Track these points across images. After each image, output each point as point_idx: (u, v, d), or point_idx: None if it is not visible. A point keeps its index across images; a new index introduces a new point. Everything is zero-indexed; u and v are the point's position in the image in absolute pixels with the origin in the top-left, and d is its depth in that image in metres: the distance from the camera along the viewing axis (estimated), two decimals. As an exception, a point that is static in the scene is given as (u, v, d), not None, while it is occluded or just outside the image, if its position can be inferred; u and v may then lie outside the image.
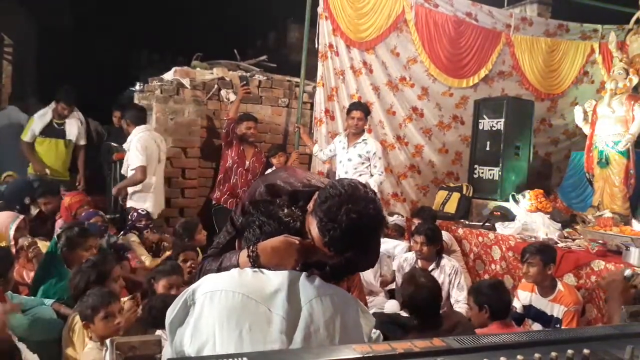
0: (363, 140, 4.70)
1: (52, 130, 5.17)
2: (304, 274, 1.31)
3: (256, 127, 4.96)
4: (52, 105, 5.20)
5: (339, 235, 1.22)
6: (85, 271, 2.60)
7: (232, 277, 1.26)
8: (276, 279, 1.26)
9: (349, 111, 4.75)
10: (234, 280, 1.24)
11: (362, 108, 4.72)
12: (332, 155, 5.02)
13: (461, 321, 2.87)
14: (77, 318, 2.43)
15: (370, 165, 4.69)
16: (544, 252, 3.25)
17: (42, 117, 5.16)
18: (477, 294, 2.86)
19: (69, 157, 5.30)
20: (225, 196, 4.82)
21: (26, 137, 5.12)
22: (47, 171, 5.11)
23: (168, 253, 3.88)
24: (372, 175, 4.69)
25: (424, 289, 2.72)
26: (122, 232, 4.16)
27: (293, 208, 1.44)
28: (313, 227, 1.28)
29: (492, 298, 2.81)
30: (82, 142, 5.38)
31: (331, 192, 1.26)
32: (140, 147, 4.20)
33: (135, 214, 4.24)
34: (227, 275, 1.27)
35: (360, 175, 4.61)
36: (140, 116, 4.48)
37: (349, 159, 4.70)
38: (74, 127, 5.24)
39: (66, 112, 5.19)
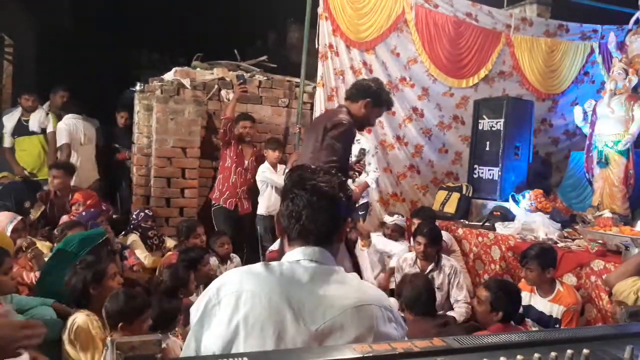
0: (357, 140, 4.55)
1: (22, 128, 5.21)
2: (341, 269, 1.25)
3: (253, 127, 4.96)
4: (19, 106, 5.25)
5: None
6: (80, 272, 2.57)
7: (258, 275, 1.21)
8: (307, 273, 1.20)
9: None
10: (261, 280, 1.19)
11: None
12: None
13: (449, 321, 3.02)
14: (78, 319, 2.42)
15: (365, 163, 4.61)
16: (542, 257, 3.24)
17: (10, 117, 5.21)
18: (496, 297, 2.80)
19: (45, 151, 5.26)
20: (225, 196, 4.81)
21: (5, 142, 5.19)
22: (26, 172, 5.13)
23: (169, 254, 3.89)
24: (367, 173, 4.64)
25: (420, 289, 2.94)
26: (123, 233, 4.16)
27: (333, 172, 1.32)
28: None
29: (509, 304, 2.83)
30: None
31: None
32: (60, 129, 4.99)
33: (142, 213, 4.24)
34: (253, 273, 1.22)
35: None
36: (69, 107, 5.21)
37: None
38: (35, 120, 5.21)
39: (30, 103, 5.20)
